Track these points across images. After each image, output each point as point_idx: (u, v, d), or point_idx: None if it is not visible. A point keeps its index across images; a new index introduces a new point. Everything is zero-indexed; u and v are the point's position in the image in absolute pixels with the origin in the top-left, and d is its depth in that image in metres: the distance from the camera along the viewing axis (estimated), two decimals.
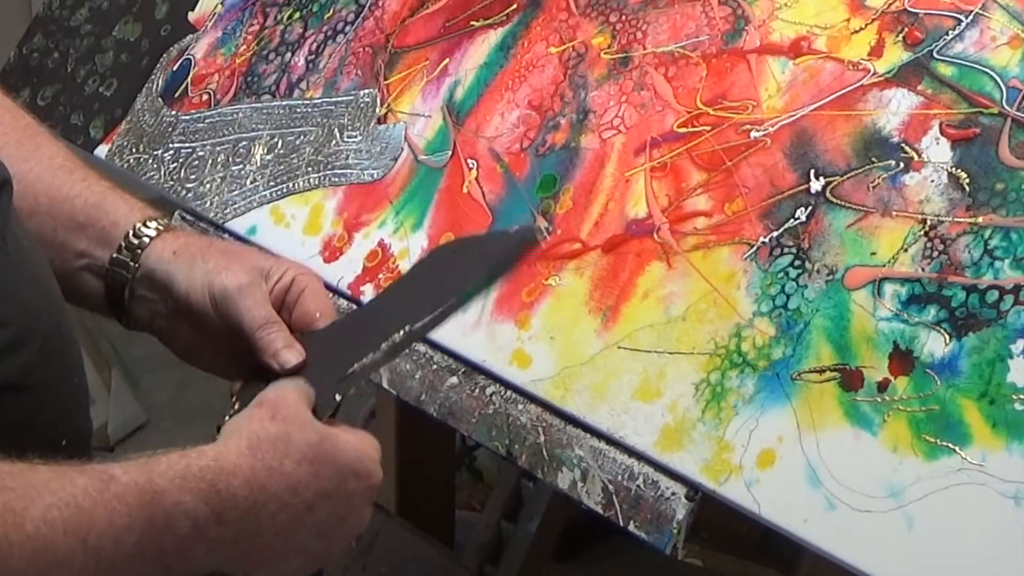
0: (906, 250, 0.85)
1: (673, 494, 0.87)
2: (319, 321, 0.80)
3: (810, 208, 0.90)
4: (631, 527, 0.88)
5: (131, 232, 0.85)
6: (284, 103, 1.24)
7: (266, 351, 0.78)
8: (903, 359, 0.82)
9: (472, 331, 1.00)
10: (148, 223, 0.85)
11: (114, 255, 0.84)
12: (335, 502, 0.73)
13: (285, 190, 1.19)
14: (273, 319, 0.80)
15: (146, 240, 0.84)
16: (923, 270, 0.83)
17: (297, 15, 1.30)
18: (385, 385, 1.05)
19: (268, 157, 1.22)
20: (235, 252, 0.85)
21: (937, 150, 0.87)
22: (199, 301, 0.81)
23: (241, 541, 0.70)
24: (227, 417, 0.75)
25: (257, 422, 0.72)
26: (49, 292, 0.78)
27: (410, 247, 1.07)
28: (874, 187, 0.88)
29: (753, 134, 0.94)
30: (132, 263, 0.84)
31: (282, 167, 1.20)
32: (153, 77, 1.38)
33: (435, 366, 1.02)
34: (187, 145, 1.29)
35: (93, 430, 0.85)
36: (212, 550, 0.69)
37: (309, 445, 0.72)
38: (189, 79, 1.34)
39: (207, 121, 1.29)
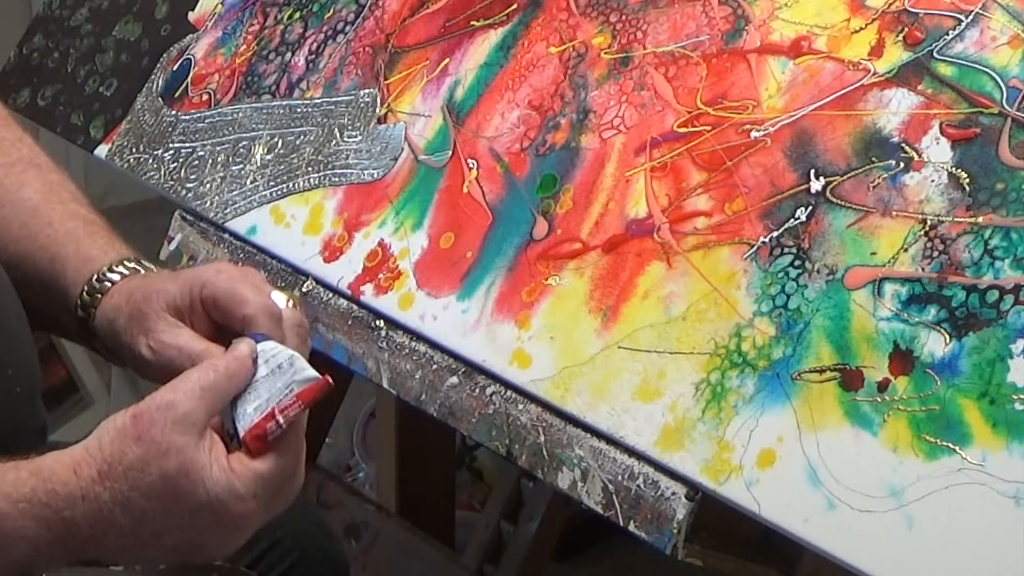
0: (906, 250, 0.85)
1: (673, 494, 0.87)
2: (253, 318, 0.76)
3: (810, 208, 0.90)
4: (631, 527, 0.88)
5: (84, 290, 0.84)
6: (284, 103, 1.24)
7: (256, 325, 0.76)
8: (903, 359, 0.82)
9: (472, 331, 1.00)
10: (109, 272, 0.84)
11: (78, 313, 0.84)
12: (187, 534, 0.70)
13: (285, 190, 1.18)
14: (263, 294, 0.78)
15: (99, 297, 0.83)
16: (923, 270, 0.83)
17: (297, 15, 1.30)
18: (385, 385, 1.05)
19: (268, 157, 1.22)
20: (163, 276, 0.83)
21: (937, 150, 0.87)
22: (176, 303, 0.79)
23: (84, 554, 0.69)
24: None
25: (120, 440, 0.68)
26: None
27: (410, 247, 1.07)
28: (874, 187, 0.88)
29: (753, 134, 0.94)
30: (93, 308, 0.83)
31: (282, 167, 1.20)
32: (153, 77, 1.38)
33: (435, 366, 1.02)
34: (187, 145, 1.29)
35: (40, 423, 0.84)
36: (52, 563, 0.68)
37: (164, 479, 0.68)
38: (189, 79, 1.34)
39: (207, 121, 1.29)
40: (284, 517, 0.86)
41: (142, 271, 0.85)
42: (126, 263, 0.85)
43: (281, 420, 0.71)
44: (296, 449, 0.72)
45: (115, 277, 0.84)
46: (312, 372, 0.73)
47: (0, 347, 0.78)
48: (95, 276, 0.84)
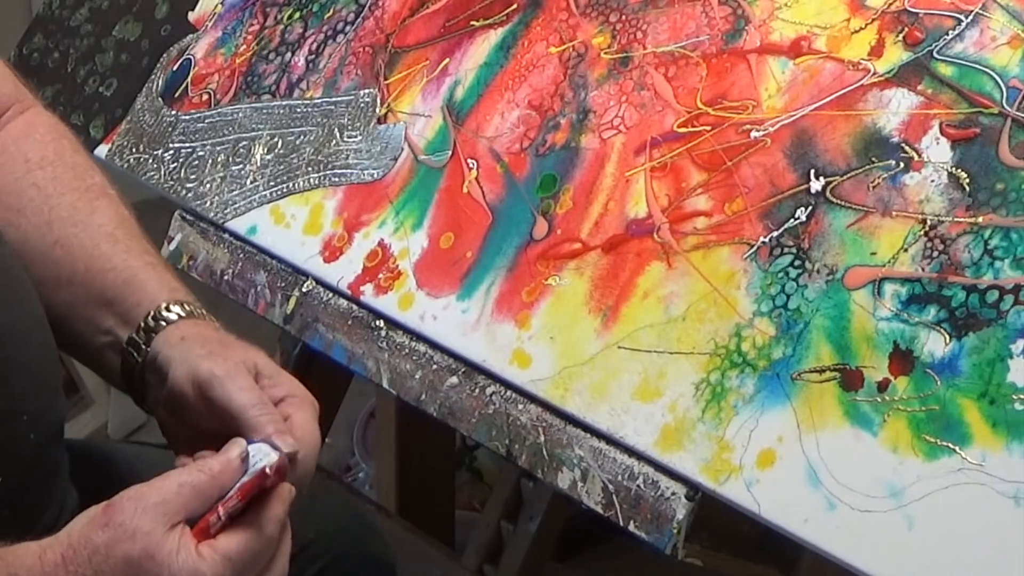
0: (906, 250, 0.85)
1: (673, 494, 0.87)
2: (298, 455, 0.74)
3: (810, 208, 0.90)
4: (631, 527, 0.88)
5: (151, 314, 0.82)
6: (284, 103, 1.24)
7: (258, 432, 0.74)
8: (903, 359, 0.82)
9: (472, 331, 1.00)
10: (172, 307, 0.83)
11: (131, 335, 0.82)
12: None
13: (285, 190, 1.18)
14: (262, 399, 0.76)
15: (163, 324, 0.82)
16: (923, 270, 0.83)
17: (297, 15, 1.30)
18: (385, 385, 1.05)
19: (268, 157, 1.22)
20: (232, 344, 0.81)
21: (937, 150, 0.87)
22: (186, 388, 0.78)
23: None
24: None
25: (88, 527, 0.68)
26: None
27: (410, 247, 1.07)
28: (874, 187, 0.88)
29: (753, 134, 0.94)
30: (144, 346, 0.82)
31: (282, 167, 1.20)
32: (153, 77, 1.38)
33: (435, 366, 1.02)
34: (187, 145, 1.29)
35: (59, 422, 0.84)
36: None
37: (128, 562, 0.66)
38: (189, 79, 1.34)
39: (207, 121, 1.29)
40: (314, 516, 0.85)
41: (206, 317, 0.85)
42: (191, 305, 0.84)
43: (222, 512, 0.70)
44: (270, 534, 0.71)
45: (176, 314, 0.82)
46: (261, 464, 0.72)
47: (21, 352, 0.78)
48: (164, 306, 0.83)
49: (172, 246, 1.25)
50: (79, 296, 0.85)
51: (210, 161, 1.26)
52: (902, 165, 0.87)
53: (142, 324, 0.82)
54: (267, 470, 0.71)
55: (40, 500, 0.82)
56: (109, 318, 0.84)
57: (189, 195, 1.25)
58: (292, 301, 1.13)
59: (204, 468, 0.70)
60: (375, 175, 1.13)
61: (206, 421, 0.78)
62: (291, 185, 1.18)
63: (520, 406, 0.96)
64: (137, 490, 0.68)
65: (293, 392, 0.79)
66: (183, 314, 0.83)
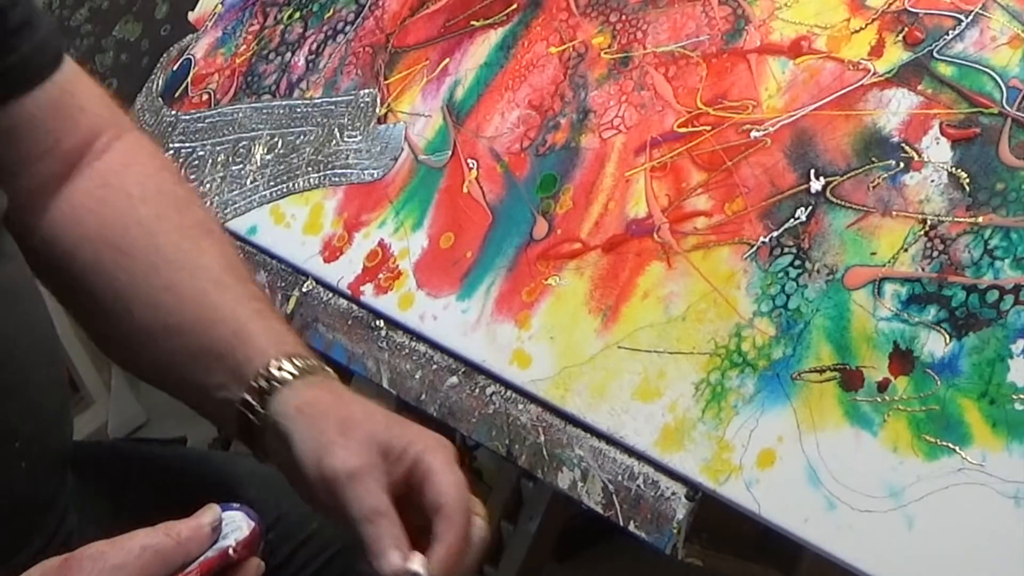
0: (906, 250, 0.85)
1: (673, 494, 0.87)
2: (443, 512, 0.72)
3: (810, 208, 0.90)
4: (631, 527, 0.88)
5: (262, 373, 0.79)
6: (284, 103, 1.24)
7: (370, 548, 0.70)
8: (903, 359, 0.82)
9: (472, 331, 1.00)
10: (284, 364, 0.79)
11: (244, 395, 0.79)
12: None
13: (285, 190, 1.18)
14: (383, 511, 0.71)
15: (275, 385, 0.78)
16: (923, 270, 0.83)
17: (297, 15, 1.30)
18: (385, 385, 1.05)
19: (268, 157, 1.22)
20: (354, 422, 0.76)
21: (937, 150, 0.87)
22: (311, 473, 0.75)
23: None
24: None
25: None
26: None
27: (410, 247, 1.07)
28: (874, 187, 0.88)
29: (753, 134, 0.94)
30: (260, 408, 0.79)
31: (282, 167, 1.20)
32: (153, 77, 1.38)
33: (435, 366, 1.02)
34: (187, 145, 1.29)
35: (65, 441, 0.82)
36: None
37: None
38: (189, 79, 1.34)
39: (207, 121, 1.29)
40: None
41: (323, 374, 0.81)
42: (303, 360, 0.81)
43: None
44: None
45: (289, 373, 0.79)
46: (230, 539, 0.69)
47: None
48: (276, 365, 0.79)
49: None
50: (191, 347, 0.81)
51: (210, 161, 1.26)
52: (902, 165, 0.87)
53: (255, 384, 0.79)
54: (231, 551, 0.68)
55: (26, 529, 0.79)
56: (221, 373, 0.81)
57: None
58: (292, 301, 1.13)
59: (172, 533, 0.66)
60: (375, 175, 1.13)
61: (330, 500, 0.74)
62: (291, 185, 1.18)
63: (520, 406, 0.96)
64: (97, 548, 0.65)
65: (424, 448, 0.75)
66: (296, 372, 0.79)
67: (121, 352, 0.86)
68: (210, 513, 0.68)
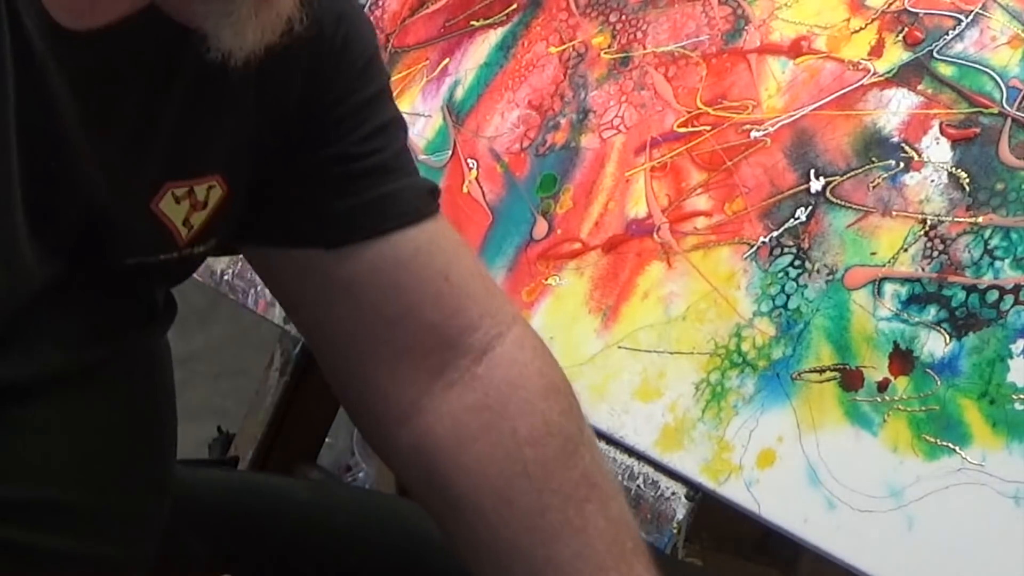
0: (906, 250, 0.85)
1: (673, 494, 0.87)
2: None
3: (810, 208, 0.90)
4: None
5: None
6: None
7: None
8: (903, 359, 0.82)
9: None
10: None
11: None
12: None
13: None
14: None
15: None
16: (923, 270, 0.83)
17: None
18: None
19: None
20: None
21: (937, 150, 0.87)
22: None
23: None
24: None
25: None
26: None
27: None
28: (874, 187, 0.88)
29: (753, 134, 0.94)
30: None
31: None
32: None
33: None
34: None
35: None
36: None
37: None
38: None
39: None
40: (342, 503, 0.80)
41: None
42: None
43: None
44: None
45: None
46: None
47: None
48: None
49: None
50: None
51: None
52: (902, 165, 0.87)
53: None
54: None
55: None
56: None
57: None
58: None
59: None
60: None
61: None
62: None
63: None
64: None
65: None
66: None
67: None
68: None
